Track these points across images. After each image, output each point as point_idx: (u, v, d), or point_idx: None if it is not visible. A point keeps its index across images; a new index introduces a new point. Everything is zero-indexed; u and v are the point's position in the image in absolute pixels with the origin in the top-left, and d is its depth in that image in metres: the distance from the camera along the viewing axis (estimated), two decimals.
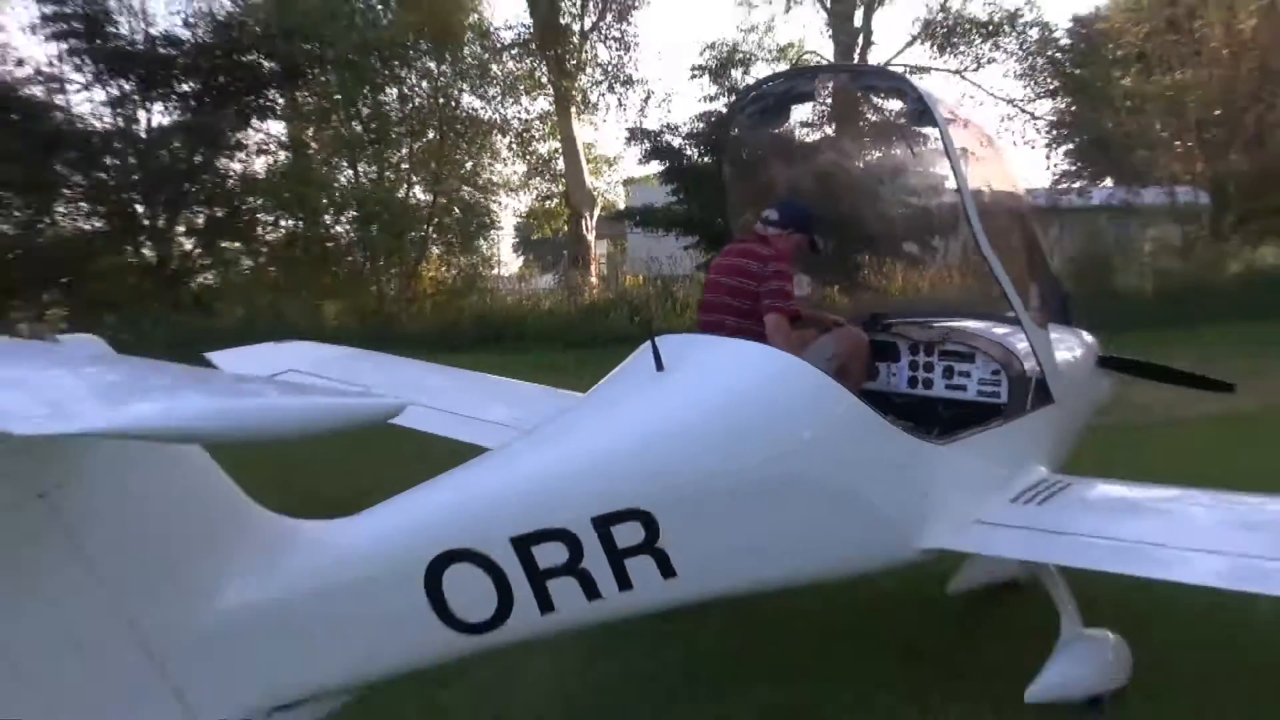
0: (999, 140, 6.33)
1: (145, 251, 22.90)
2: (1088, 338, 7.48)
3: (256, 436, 2.32)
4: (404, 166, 25.78)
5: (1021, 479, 5.42)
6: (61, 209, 22.03)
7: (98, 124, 22.03)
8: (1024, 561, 5.40)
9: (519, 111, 27.98)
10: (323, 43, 21.22)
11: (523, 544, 3.81)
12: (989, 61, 28.83)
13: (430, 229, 25.14)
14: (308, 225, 24.25)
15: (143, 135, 22.31)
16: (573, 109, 27.31)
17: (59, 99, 22.16)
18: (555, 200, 29.79)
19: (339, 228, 24.43)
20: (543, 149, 28.65)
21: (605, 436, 4.43)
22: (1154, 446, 11.55)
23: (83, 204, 22.31)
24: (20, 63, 21.36)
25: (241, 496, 3.41)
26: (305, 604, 3.50)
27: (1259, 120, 27.57)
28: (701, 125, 22.97)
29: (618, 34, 28.17)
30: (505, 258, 25.61)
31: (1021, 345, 5.74)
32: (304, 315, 21.39)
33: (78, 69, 21.75)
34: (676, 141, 23.26)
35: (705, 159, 22.28)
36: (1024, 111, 28.91)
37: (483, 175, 26.12)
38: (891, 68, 5.54)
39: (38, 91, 21.78)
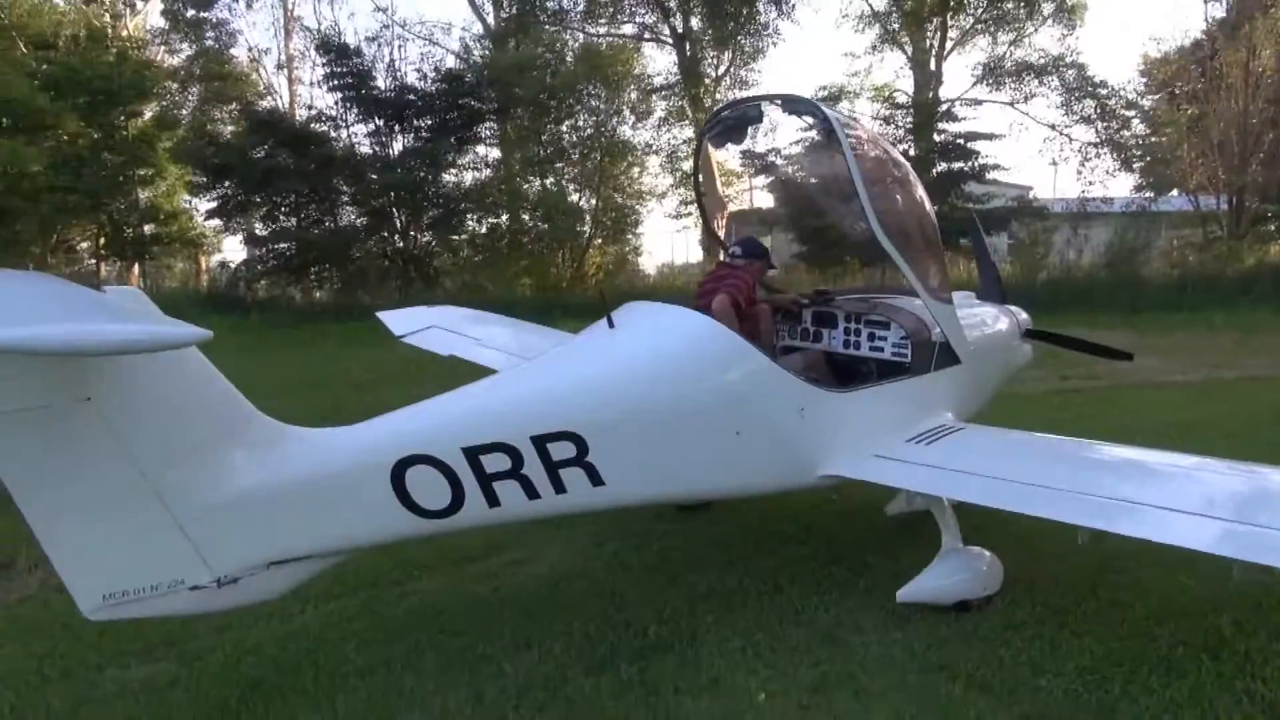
0: (899, 154, 5.91)
1: (396, 240, 23.89)
2: (1020, 314, 7.00)
3: (88, 350, 2.58)
4: (575, 180, 25.82)
5: (922, 423, 5.16)
6: (336, 211, 23.18)
7: (362, 150, 23.13)
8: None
9: (670, 138, 28.10)
10: (519, 88, 21.54)
11: (472, 453, 3.94)
12: (1033, 96, 27.74)
13: (591, 225, 25.28)
14: (510, 221, 24.68)
15: (392, 157, 23.02)
16: None
17: (335, 132, 23.48)
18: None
19: (528, 224, 24.71)
20: (687, 165, 28.49)
21: (551, 374, 4.52)
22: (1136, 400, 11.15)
23: (350, 207, 23.43)
24: (310, 107, 22.77)
25: (245, 404, 3.57)
26: (296, 488, 3.69)
27: (1273, 140, 25.27)
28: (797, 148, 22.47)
29: (742, 77, 27.83)
30: (651, 247, 25.34)
31: (941, 319, 5.40)
32: (500, 288, 22.02)
33: (348, 111, 22.82)
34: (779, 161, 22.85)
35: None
36: (1062, 134, 27.39)
37: (632, 186, 26.22)
38: (803, 95, 5.11)
39: (322, 127, 23.04)
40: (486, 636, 4.46)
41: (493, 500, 3.98)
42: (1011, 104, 27.06)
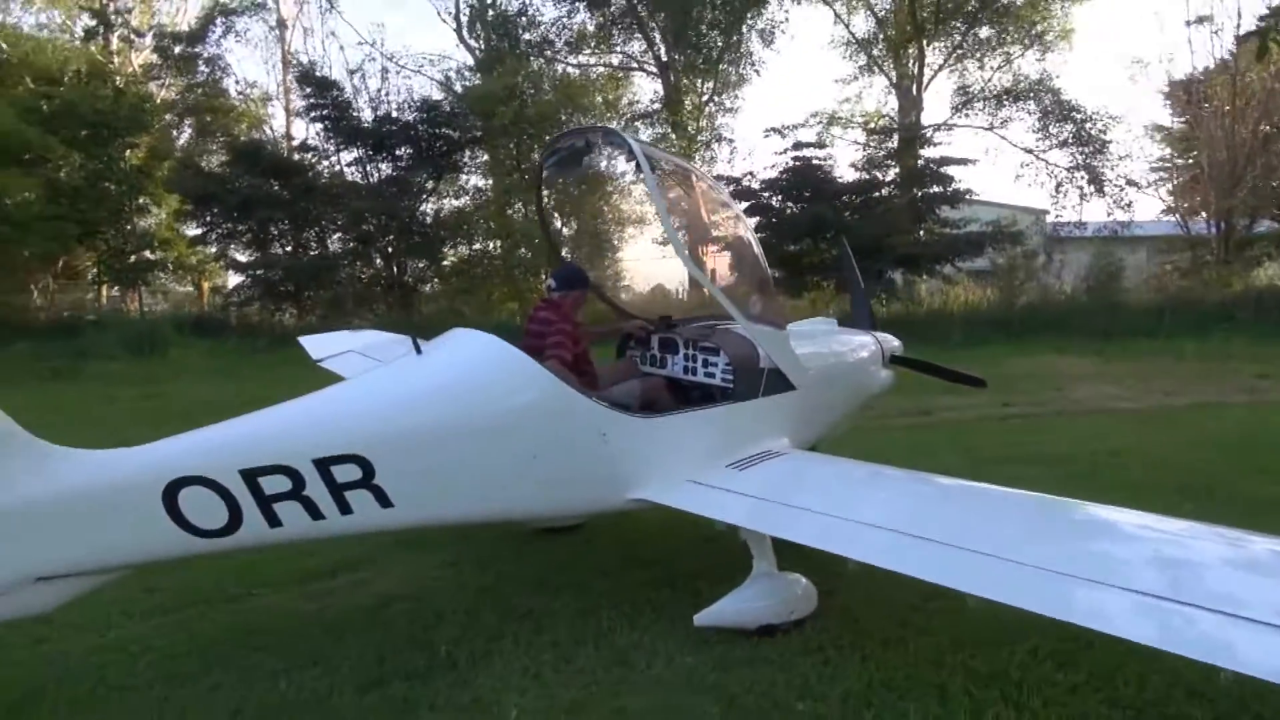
0: (719, 186, 5.98)
1: (378, 266, 24.23)
2: (890, 340, 7.05)
3: None
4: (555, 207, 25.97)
5: (746, 449, 5.17)
6: (315, 237, 23.53)
7: (348, 178, 23.56)
8: None
9: None
10: (494, 118, 21.87)
11: (250, 475, 4.02)
12: (1008, 120, 27.99)
13: (572, 251, 25.40)
14: (495, 246, 24.87)
15: (369, 186, 23.32)
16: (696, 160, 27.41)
17: (322, 162, 23.95)
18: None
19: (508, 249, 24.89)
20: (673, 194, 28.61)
21: (340, 398, 4.60)
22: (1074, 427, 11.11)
23: (335, 235, 23.84)
24: (289, 138, 23.20)
25: (12, 424, 3.69)
26: (63, 507, 3.76)
27: (1262, 165, 25.16)
28: (774, 174, 22.66)
29: (725, 104, 28.14)
30: (639, 271, 25.20)
31: (768, 346, 5.45)
32: (478, 312, 22.24)
33: (329, 140, 23.25)
34: (754, 185, 23.05)
35: (776, 200, 22.18)
36: (1039, 159, 27.41)
37: (612, 213, 26.42)
38: (614, 129, 5.11)
39: (306, 157, 23.47)
40: (283, 654, 4.52)
41: (273, 521, 4.06)
42: (990, 128, 27.27)
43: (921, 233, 22.14)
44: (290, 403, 4.58)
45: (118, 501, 3.84)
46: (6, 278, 24.48)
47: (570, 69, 27.31)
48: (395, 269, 23.73)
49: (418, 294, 24.08)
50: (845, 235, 21.12)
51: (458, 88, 25.02)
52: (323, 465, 4.11)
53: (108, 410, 12.53)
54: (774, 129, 22.60)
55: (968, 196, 22.01)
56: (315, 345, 9.34)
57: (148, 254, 26.89)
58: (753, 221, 23.33)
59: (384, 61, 25.91)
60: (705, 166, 27.66)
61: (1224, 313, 21.13)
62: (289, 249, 23.28)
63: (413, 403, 4.51)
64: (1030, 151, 27.57)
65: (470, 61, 26.97)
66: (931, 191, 22.05)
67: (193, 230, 25.15)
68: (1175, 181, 27.83)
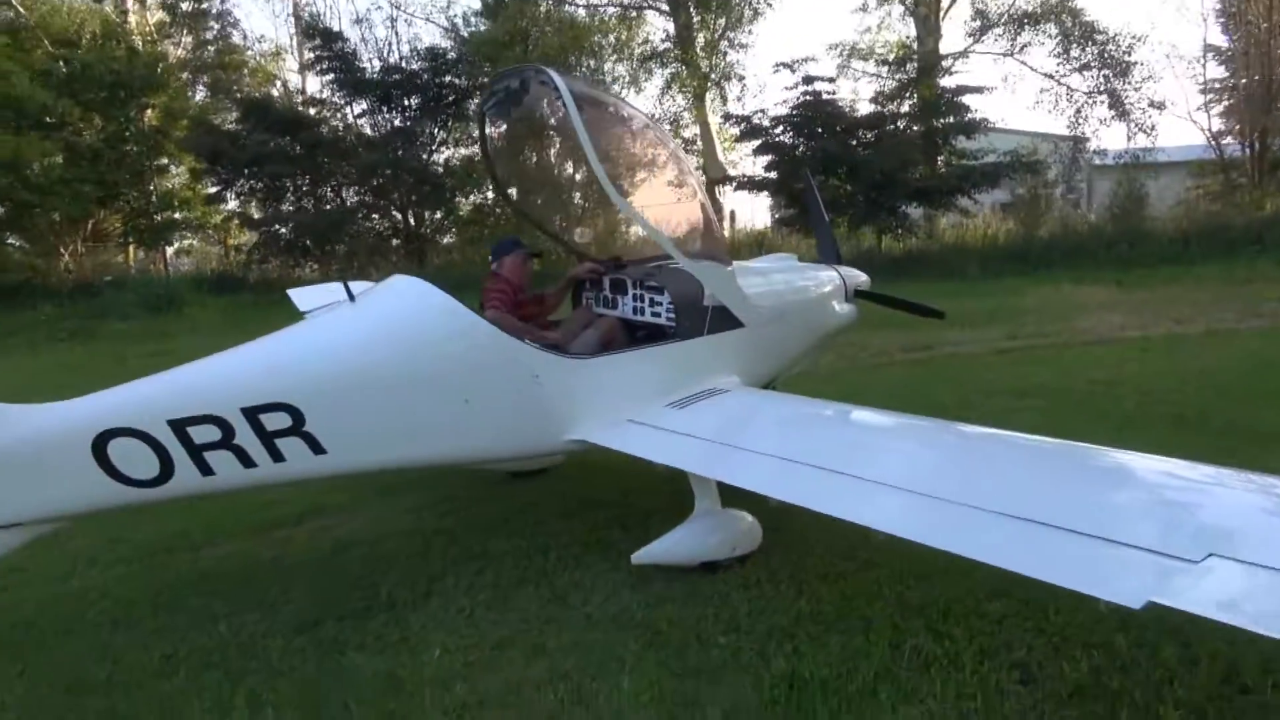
0: (654, 123, 5.83)
1: (395, 216, 24.24)
2: (857, 276, 6.93)
3: None
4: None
5: (689, 387, 5.13)
6: (329, 192, 23.56)
7: (360, 131, 23.50)
8: None
9: (670, 105, 27.91)
10: (498, 63, 21.55)
11: (179, 425, 4.08)
12: (1027, 45, 27.03)
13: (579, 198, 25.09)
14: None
15: (377, 138, 23.24)
16: (706, 99, 26.91)
17: (335, 115, 23.89)
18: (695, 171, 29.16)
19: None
20: (686, 134, 28.27)
21: (270, 348, 4.61)
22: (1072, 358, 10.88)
23: (349, 188, 23.87)
24: (303, 92, 23.18)
25: None
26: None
27: None
28: (785, 110, 22.17)
29: (738, 40, 27.51)
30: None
31: (711, 284, 5.36)
32: (483, 261, 22.11)
33: (335, 93, 23.18)
34: (765, 122, 22.59)
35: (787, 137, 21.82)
36: (1059, 84, 26.53)
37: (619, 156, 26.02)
38: (543, 66, 4.93)
39: (317, 111, 23.42)
40: (231, 599, 4.62)
41: (205, 470, 4.12)
42: (1009, 54, 26.39)
43: (940, 164, 21.61)
44: (222, 354, 4.60)
45: (49, 454, 3.92)
46: (35, 242, 24.93)
47: (579, 9, 26.89)
48: (409, 220, 23.74)
49: (431, 245, 24.09)
50: (856, 170, 20.82)
51: (465, 33, 24.75)
52: (251, 414, 4.15)
53: (117, 369, 12.75)
54: (783, 64, 22.03)
55: (984, 126, 21.40)
56: (303, 298, 9.38)
57: (173, 214, 27.25)
58: (764, 160, 23.01)
59: (390, 9, 25.64)
60: (717, 104, 27.23)
61: (1253, 237, 20.47)
62: (303, 204, 23.33)
63: (342, 350, 4.53)
64: (1050, 76, 26.81)
65: (477, 5, 26.66)
66: (947, 122, 21.45)
67: (210, 189, 25.25)
68: (1218, 102, 26.75)
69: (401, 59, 23.52)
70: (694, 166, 28.46)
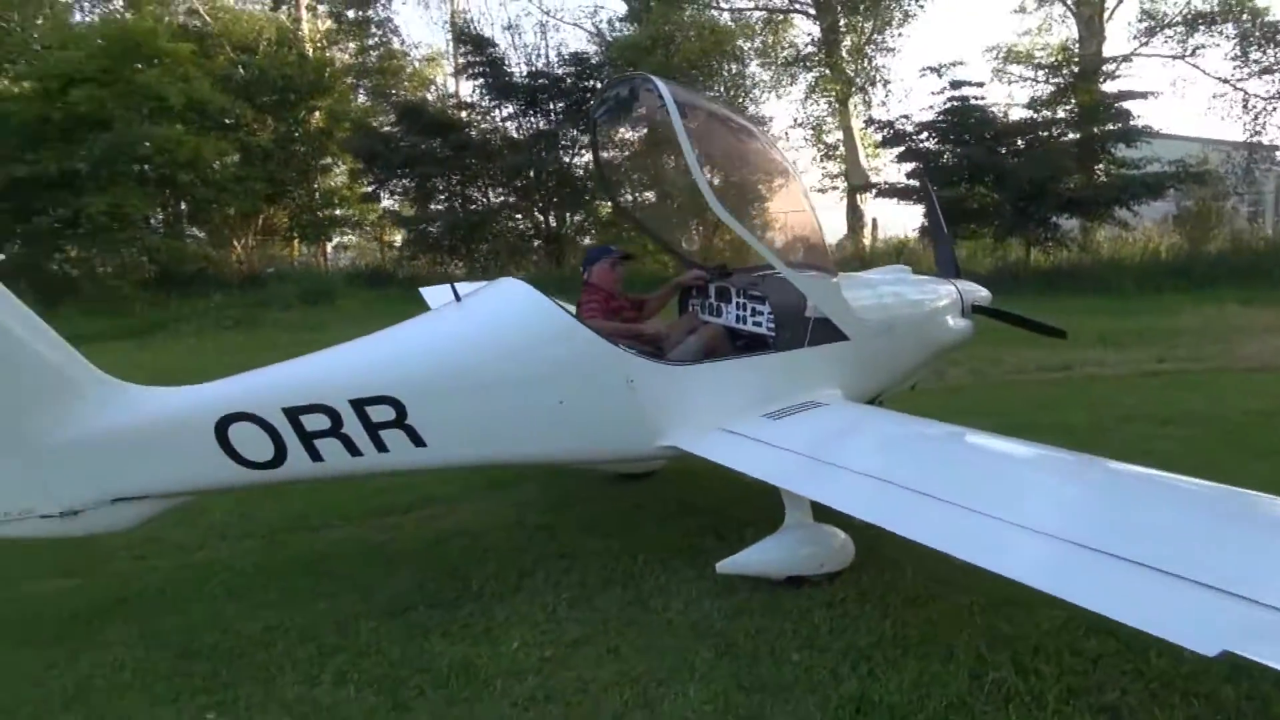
0: (767, 137, 5.75)
1: (537, 217, 24.95)
2: (977, 291, 6.70)
3: None
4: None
5: (787, 398, 5.09)
6: (476, 192, 24.44)
7: (507, 134, 24.31)
8: None
9: (813, 110, 27.56)
10: (637, 67, 21.77)
11: (293, 413, 4.37)
12: (1199, 48, 25.23)
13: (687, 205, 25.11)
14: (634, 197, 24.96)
15: (524, 138, 23.92)
16: (850, 104, 26.37)
17: (484, 119, 24.82)
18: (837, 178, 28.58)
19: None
20: (829, 139, 27.85)
21: (379, 344, 4.85)
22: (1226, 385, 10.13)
23: (495, 189, 24.72)
24: (449, 97, 24.13)
25: (89, 366, 4.18)
26: (130, 437, 4.25)
27: None
28: (930, 116, 21.48)
29: (884, 42, 26.80)
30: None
31: (813, 295, 5.29)
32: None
33: (484, 98, 24.03)
34: (909, 128, 21.97)
35: (932, 143, 21.15)
36: (1235, 88, 24.56)
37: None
38: (650, 75, 4.79)
39: (460, 114, 24.38)
40: (335, 580, 4.91)
41: (315, 456, 4.40)
42: (1180, 56, 24.63)
43: (1098, 173, 20.42)
44: (336, 348, 4.89)
45: (177, 434, 4.27)
46: (211, 235, 26.97)
47: (724, 14, 26.85)
48: (549, 221, 24.36)
49: (571, 245, 24.62)
50: (1004, 179, 19.96)
51: (609, 39, 25.17)
52: (358, 405, 4.40)
53: (269, 354, 13.63)
54: (930, 68, 21.37)
55: (1147, 133, 20.06)
56: (434, 296, 9.77)
57: (334, 211, 28.96)
58: (907, 167, 22.39)
59: (540, 15, 26.35)
60: (860, 109, 26.65)
61: None
62: (451, 204, 24.29)
63: (444, 348, 4.73)
64: (1226, 81, 24.86)
65: (623, 11, 27.06)
66: (1106, 129, 20.25)
67: (365, 188, 26.62)
68: None
69: (547, 64, 24.17)
70: (836, 172, 28.06)
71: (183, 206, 25.52)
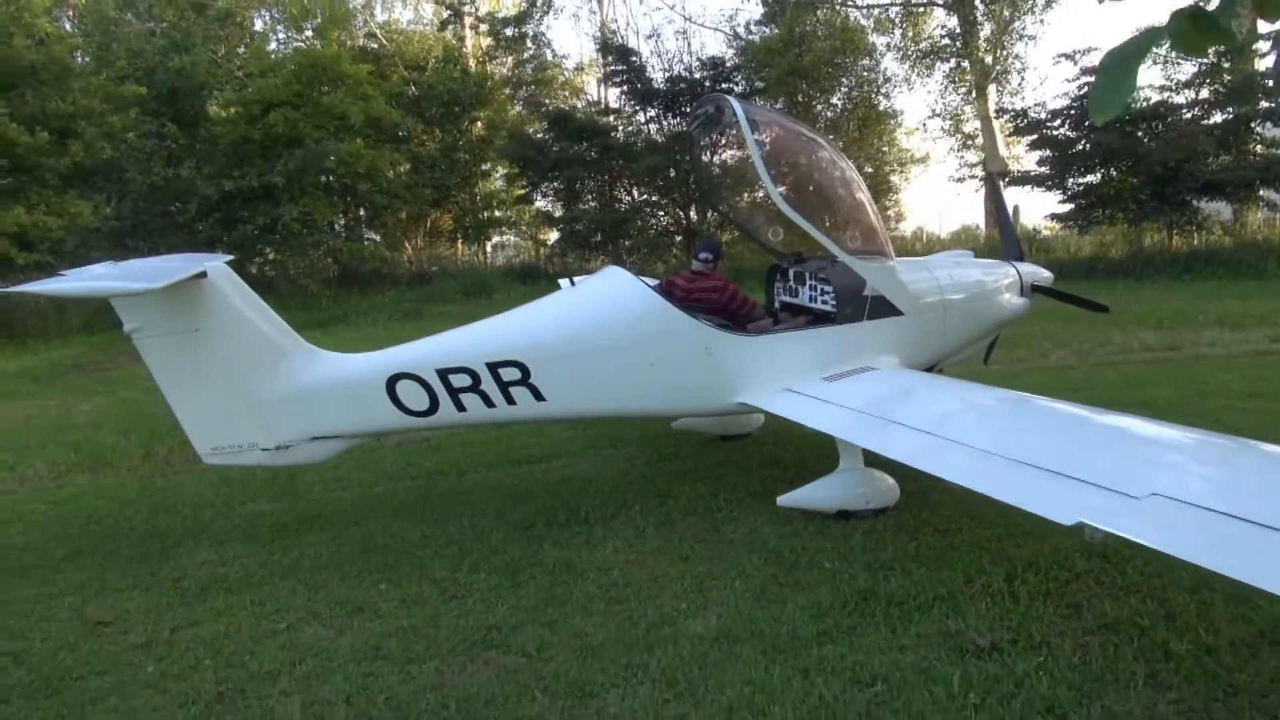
0: (821, 139, 6.50)
1: (678, 214, 26.05)
2: (1039, 271, 7.24)
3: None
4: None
5: (846, 365, 5.93)
6: (620, 191, 25.80)
7: (651, 137, 25.53)
8: None
9: (951, 101, 27.42)
10: (768, 70, 22.44)
11: (443, 373, 5.59)
12: None
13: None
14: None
15: (664, 140, 25.01)
16: (988, 92, 26.08)
17: (628, 124, 26.16)
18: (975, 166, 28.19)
19: None
20: (967, 128, 27.60)
21: (511, 318, 6.01)
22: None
23: (638, 189, 26.01)
24: (595, 103, 25.47)
25: (295, 336, 5.51)
26: (324, 390, 5.56)
27: None
28: (1064, 103, 21.14)
29: (1024, 31, 26.26)
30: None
31: (869, 276, 6.09)
32: (756, 253, 23.25)
33: (627, 103, 25.31)
34: (1042, 115, 21.65)
35: (1063, 132, 20.86)
36: None
37: (891, 153, 25.92)
38: (721, 94, 5.36)
39: (606, 119, 25.80)
40: (475, 508, 6.12)
41: (460, 407, 5.62)
42: None
43: (1246, 154, 19.54)
44: (477, 323, 6.09)
45: (359, 388, 5.56)
46: (386, 237, 29.48)
47: (860, 11, 27.12)
48: (689, 217, 25.39)
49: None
50: (1139, 163, 19.50)
51: (745, 41, 25.93)
52: (493, 367, 5.57)
53: None
54: (1064, 54, 21.01)
55: None
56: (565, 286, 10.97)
57: (494, 213, 31.07)
58: (1036, 155, 22.13)
59: (683, 22, 27.37)
60: (997, 98, 26.28)
61: None
62: (597, 203, 25.74)
63: (560, 322, 5.86)
64: None
65: (758, 14, 27.69)
66: (1248, 109, 19.36)
67: (519, 190, 28.41)
68: None
69: (686, 68, 25.21)
70: (975, 161, 27.66)
71: (361, 212, 28.14)
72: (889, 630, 3.97)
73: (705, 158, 7.25)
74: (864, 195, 6.24)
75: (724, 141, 6.75)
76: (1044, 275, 7.39)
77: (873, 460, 5.25)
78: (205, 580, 5.00)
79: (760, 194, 6.51)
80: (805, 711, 3.29)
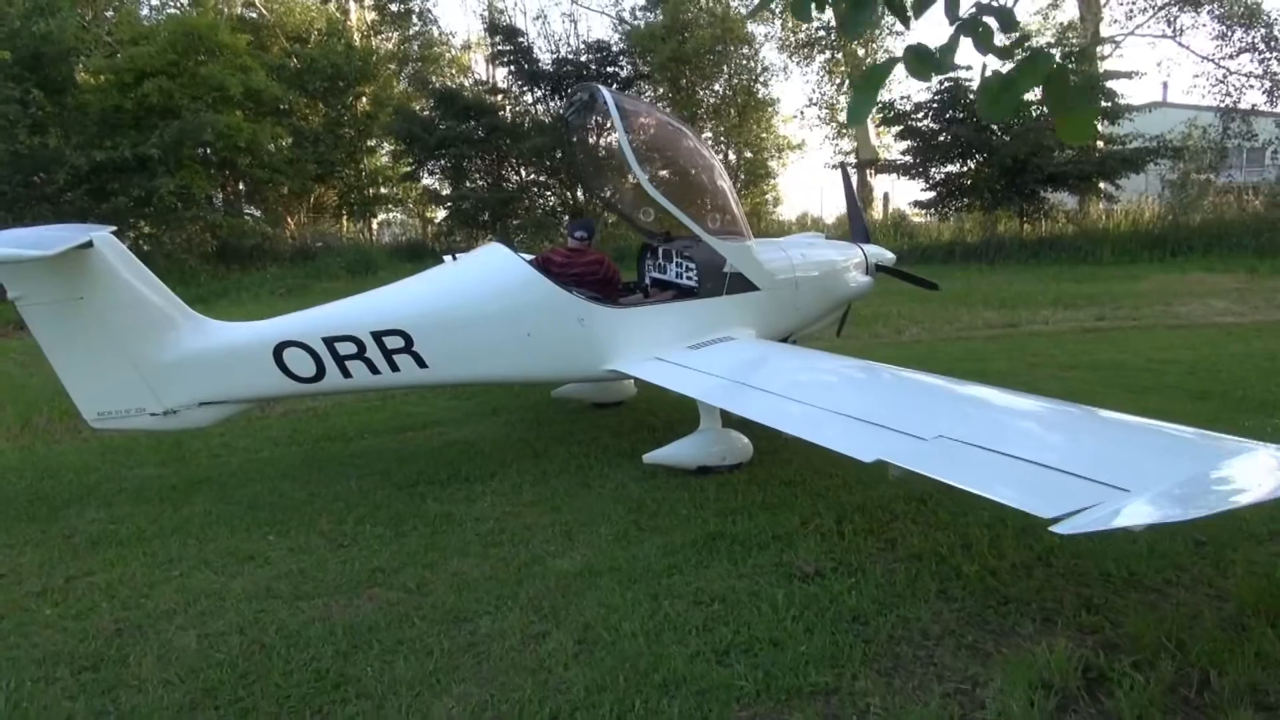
0: (686, 128, 7.07)
1: (564, 194, 26.37)
2: (883, 253, 7.96)
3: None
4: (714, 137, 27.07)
5: (707, 335, 6.46)
6: (509, 170, 25.95)
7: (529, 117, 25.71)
8: None
9: (826, 91, 28.59)
10: (651, 55, 22.99)
11: (329, 341, 5.83)
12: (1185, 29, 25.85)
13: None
14: None
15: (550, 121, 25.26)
16: None
17: (515, 103, 26.23)
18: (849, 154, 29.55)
19: None
20: (841, 118, 28.81)
21: (396, 290, 6.31)
22: (1146, 341, 11.12)
23: (520, 167, 26.19)
24: (482, 82, 25.51)
25: (182, 305, 5.65)
26: (212, 357, 5.71)
27: None
28: (928, 97, 22.48)
29: (899, 29, 27.55)
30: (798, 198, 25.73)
31: (728, 255, 6.63)
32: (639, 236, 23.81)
33: (514, 83, 25.43)
34: (908, 107, 22.98)
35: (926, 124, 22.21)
36: (1219, 66, 25.18)
37: (770, 140, 26.93)
38: (593, 84, 5.92)
39: (493, 99, 25.86)
40: (364, 469, 6.42)
41: (346, 374, 5.88)
42: (1172, 35, 25.24)
43: (1086, 149, 21.24)
44: (363, 294, 6.36)
45: (247, 355, 5.76)
46: (267, 212, 28.77)
47: (739, 3, 27.92)
48: (576, 197, 25.75)
49: (597, 219, 26.02)
50: (991, 155, 20.90)
51: (632, 26, 26.41)
52: (377, 336, 5.86)
53: None
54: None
55: (1127, 110, 20.92)
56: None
57: (379, 190, 30.68)
58: (903, 145, 23.41)
59: (569, 5, 27.61)
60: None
61: None
62: (484, 182, 25.81)
63: (442, 293, 6.20)
64: (1209, 59, 25.28)
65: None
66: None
67: (405, 168, 28.14)
68: None
69: (572, 51, 25.50)
70: (848, 149, 28.99)
71: (241, 187, 27.37)
72: (730, 563, 4.51)
73: (580, 143, 7.66)
74: (725, 182, 6.78)
75: (597, 128, 7.17)
76: (887, 256, 8.12)
77: (730, 421, 5.82)
78: (96, 536, 5.17)
79: (631, 178, 6.95)
80: (651, 625, 3.80)
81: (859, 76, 3.01)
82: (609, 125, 6.17)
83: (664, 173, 6.51)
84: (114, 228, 5.61)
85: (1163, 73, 37.09)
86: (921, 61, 2.26)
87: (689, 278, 6.84)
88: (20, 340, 10.14)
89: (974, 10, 2.38)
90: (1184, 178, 21.80)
